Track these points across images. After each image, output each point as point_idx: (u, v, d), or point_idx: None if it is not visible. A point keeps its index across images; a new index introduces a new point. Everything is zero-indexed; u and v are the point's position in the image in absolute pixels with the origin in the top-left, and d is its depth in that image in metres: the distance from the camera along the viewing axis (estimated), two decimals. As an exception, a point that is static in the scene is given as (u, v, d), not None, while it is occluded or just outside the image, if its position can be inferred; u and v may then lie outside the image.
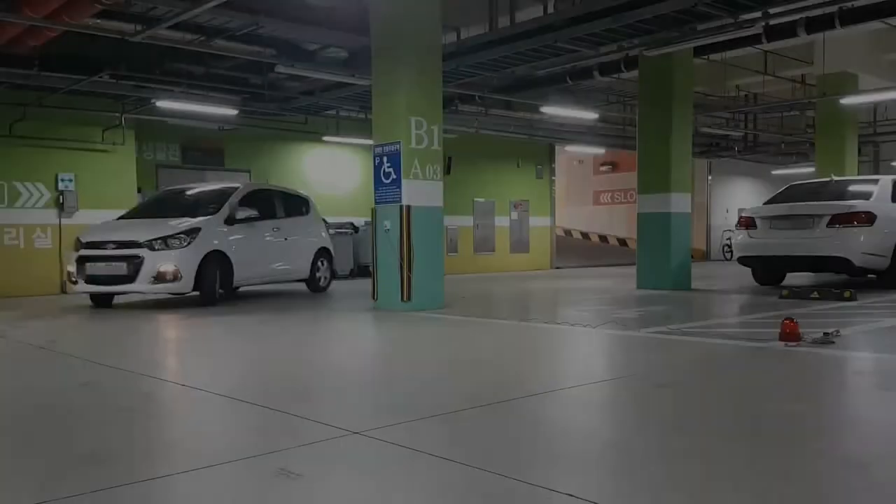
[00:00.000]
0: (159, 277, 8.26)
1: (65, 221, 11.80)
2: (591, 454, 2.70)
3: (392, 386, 4.03)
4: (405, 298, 7.96)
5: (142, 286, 8.32)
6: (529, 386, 3.98)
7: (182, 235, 8.47)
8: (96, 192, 12.05)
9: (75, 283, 8.51)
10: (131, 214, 9.88)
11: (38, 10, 8.10)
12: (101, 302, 9.13)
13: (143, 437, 3.11)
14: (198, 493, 2.38)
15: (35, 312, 8.62)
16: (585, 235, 26.89)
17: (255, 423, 3.26)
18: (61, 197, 11.70)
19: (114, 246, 8.38)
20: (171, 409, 3.64)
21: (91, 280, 8.40)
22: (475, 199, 18.05)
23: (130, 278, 8.26)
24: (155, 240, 8.34)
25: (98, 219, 12.15)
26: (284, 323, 7.13)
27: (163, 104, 11.89)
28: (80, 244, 8.59)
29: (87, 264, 8.34)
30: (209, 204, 9.46)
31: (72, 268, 8.54)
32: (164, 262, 8.24)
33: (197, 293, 8.74)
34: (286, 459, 2.64)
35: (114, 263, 8.31)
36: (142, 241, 8.34)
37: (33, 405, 3.74)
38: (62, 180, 11.71)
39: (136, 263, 8.25)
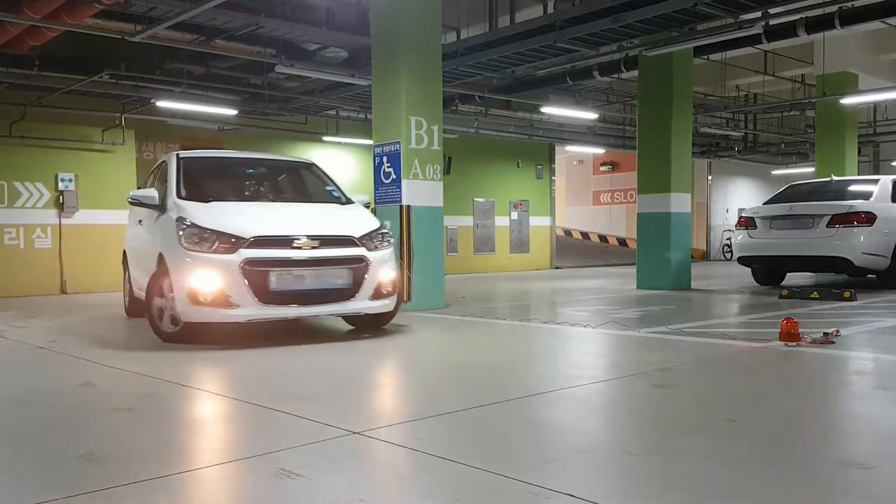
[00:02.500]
0: (380, 291, 5.74)
1: (65, 221, 11.80)
2: (590, 454, 2.70)
3: (391, 386, 4.03)
4: (405, 298, 7.96)
5: (361, 304, 5.68)
6: (529, 386, 3.98)
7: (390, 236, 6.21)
8: (96, 192, 12.05)
9: (237, 305, 5.24)
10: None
11: (38, 10, 8.10)
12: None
13: (142, 437, 3.11)
14: (198, 493, 2.38)
15: (35, 312, 8.61)
16: (585, 235, 26.88)
17: (254, 423, 3.26)
18: (61, 197, 11.70)
19: (314, 243, 5.49)
20: (171, 409, 3.64)
21: (283, 299, 5.35)
22: (475, 199, 18.05)
23: (350, 293, 5.59)
24: (373, 233, 5.86)
25: (99, 218, 12.26)
26: (283, 322, 7.13)
27: (163, 104, 11.90)
28: (233, 241, 5.30)
29: (274, 273, 5.29)
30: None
31: (224, 278, 5.20)
32: (387, 267, 5.83)
33: None
34: (286, 459, 2.64)
35: (324, 270, 5.50)
36: (357, 235, 5.75)
37: (33, 405, 3.73)
38: (62, 180, 11.70)
39: (359, 270, 5.62)
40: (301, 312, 5.51)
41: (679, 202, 10.78)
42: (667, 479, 2.42)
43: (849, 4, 8.97)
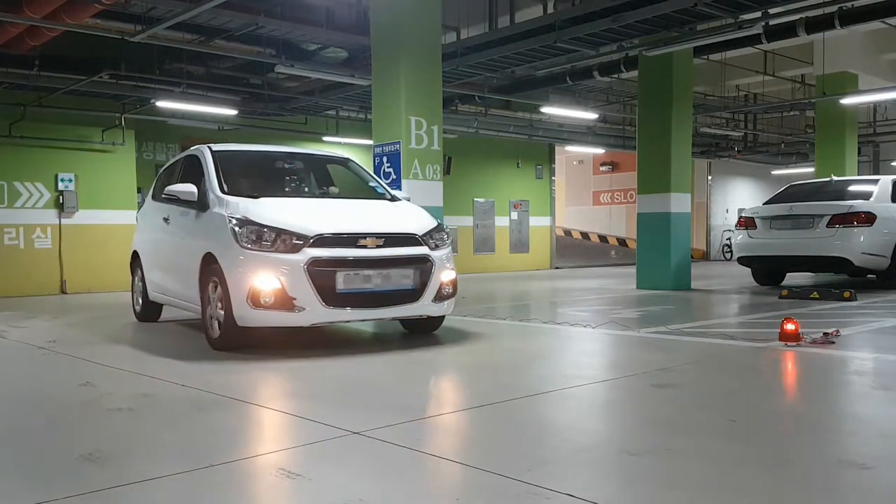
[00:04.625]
0: (441, 293, 5.41)
1: (65, 221, 11.80)
2: (590, 454, 2.70)
3: (389, 386, 4.03)
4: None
5: (426, 306, 5.35)
6: (529, 386, 3.98)
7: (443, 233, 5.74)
8: (96, 192, 12.05)
9: (301, 308, 4.86)
10: None
11: (38, 10, 8.11)
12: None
13: (142, 437, 3.11)
14: (198, 493, 2.38)
15: (35, 312, 8.61)
16: (585, 235, 26.88)
17: (254, 423, 3.25)
18: (61, 197, 11.70)
19: (379, 241, 5.14)
20: (171, 409, 3.64)
21: (349, 301, 4.98)
22: (475, 199, 18.05)
23: (416, 294, 5.26)
24: (433, 231, 5.56)
25: (99, 218, 12.26)
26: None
27: (163, 104, 11.90)
28: (296, 240, 4.92)
29: (341, 274, 4.92)
30: None
31: (288, 279, 4.84)
32: (448, 267, 5.49)
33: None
34: (286, 459, 2.64)
35: (391, 271, 5.13)
36: (420, 233, 5.43)
37: (33, 405, 3.74)
38: (62, 180, 11.70)
39: (424, 270, 5.29)
40: (368, 315, 5.15)
41: (679, 202, 10.78)
42: (667, 478, 2.42)
43: (849, 4, 8.97)
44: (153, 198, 7.19)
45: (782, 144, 20.93)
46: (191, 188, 5.61)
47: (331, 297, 4.87)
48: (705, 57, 12.28)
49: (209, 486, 2.42)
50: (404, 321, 5.98)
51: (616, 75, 12.58)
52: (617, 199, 26.15)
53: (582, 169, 27.31)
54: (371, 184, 6.53)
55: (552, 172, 19.81)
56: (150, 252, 6.94)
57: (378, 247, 5.07)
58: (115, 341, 6.01)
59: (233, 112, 12.76)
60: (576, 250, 23.38)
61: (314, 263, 4.83)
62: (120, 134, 12.25)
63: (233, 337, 5.08)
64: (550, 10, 9.72)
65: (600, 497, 2.23)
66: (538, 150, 19.19)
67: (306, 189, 6.49)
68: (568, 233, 27.07)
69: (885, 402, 3.52)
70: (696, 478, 2.42)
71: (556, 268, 19.36)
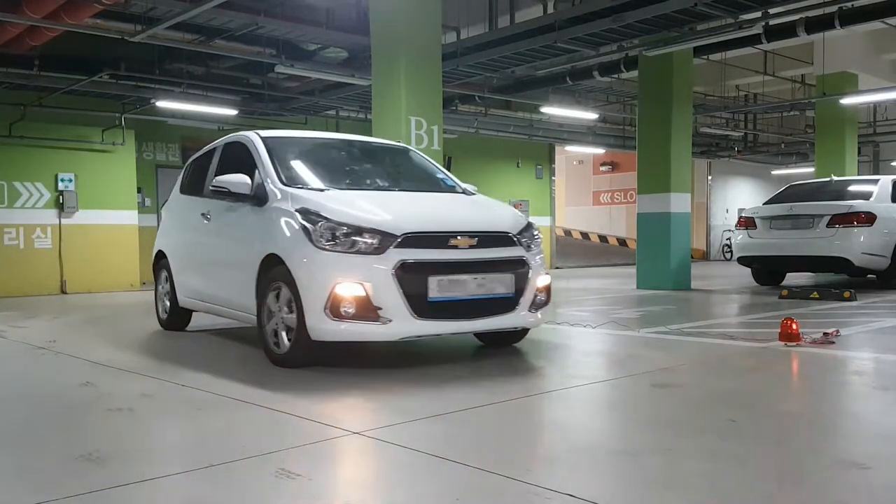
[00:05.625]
0: (536, 300, 4.72)
1: (65, 221, 11.80)
2: (590, 454, 2.70)
3: (387, 386, 4.03)
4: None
5: (522, 316, 4.64)
6: (529, 386, 3.98)
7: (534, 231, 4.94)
8: (96, 192, 12.04)
9: (387, 320, 4.17)
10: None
11: (38, 10, 8.10)
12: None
13: (142, 437, 3.11)
14: (198, 493, 2.38)
15: (35, 312, 8.61)
16: (585, 235, 26.88)
17: (254, 423, 3.26)
18: (61, 197, 11.70)
19: (472, 241, 4.45)
20: (171, 409, 3.64)
21: (442, 311, 4.29)
22: (475, 199, 18.04)
23: (513, 303, 4.56)
24: (526, 230, 4.80)
25: (99, 218, 12.26)
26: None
27: (163, 104, 11.90)
28: (381, 239, 4.23)
29: (435, 280, 4.23)
30: None
31: (374, 286, 4.15)
32: (543, 271, 4.80)
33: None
34: (286, 459, 2.64)
35: (487, 276, 4.43)
36: (514, 232, 4.69)
37: (33, 405, 3.74)
38: (62, 180, 11.70)
39: (521, 275, 4.59)
40: (461, 328, 4.48)
41: (679, 202, 10.78)
42: (666, 478, 2.42)
43: (849, 4, 8.97)
44: (182, 192, 6.44)
45: (782, 144, 20.93)
46: (244, 179, 4.90)
47: (421, 306, 4.17)
48: (705, 57, 12.27)
49: (209, 487, 2.42)
50: (482, 334, 5.17)
51: (616, 75, 12.59)
52: (617, 199, 26.15)
53: (582, 169, 27.30)
54: (438, 175, 5.76)
55: (552, 172, 19.81)
56: (181, 253, 6.19)
57: (471, 247, 4.40)
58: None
59: (233, 112, 12.76)
60: (576, 250, 23.38)
61: (404, 267, 4.14)
62: (120, 134, 12.25)
63: (304, 352, 4.37)
64: (550, 10, 9.72)
65: (600, 497, 2.23)
66: (538, 150, 19.19)
67: (370, 181, 5.55)
68: (568, 233, 27.07)
69: (885, 402, 3.53)
70: (695, 478, 2.42)
71: (557, 268, 19.35)
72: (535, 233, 4.85)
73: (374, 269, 4.14)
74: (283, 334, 4.46)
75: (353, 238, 4.21)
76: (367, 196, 4.85)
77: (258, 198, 4.83)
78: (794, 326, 5.12)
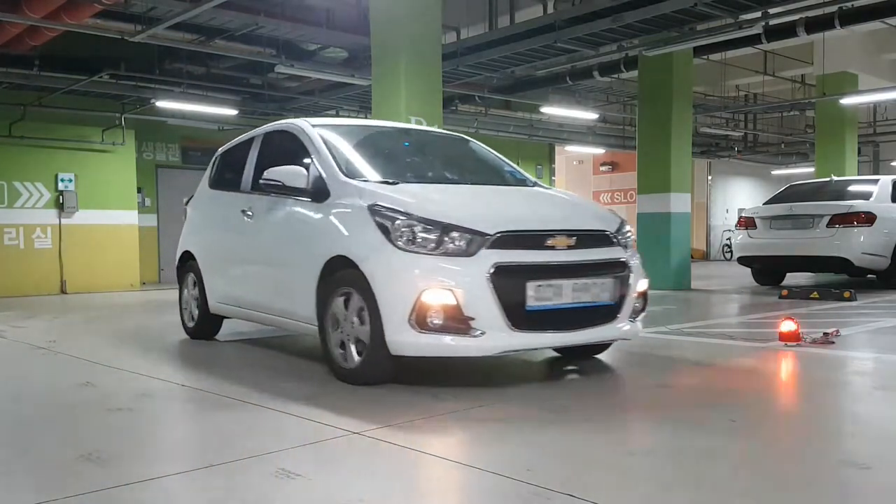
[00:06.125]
0: (635, 309, 4.26)
1: (65, 221, 11.80)
2: (590, 454, 2.70)
3: (386, 384, 4.03)
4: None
5: (624, 326, 4.15)
6: (529, 385, 3.98)
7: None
8: (96, 192, 12.04)
9: (479, 332, 3.64)
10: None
11: (38, 10, 8.10)
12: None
13: (142, 437, 3.11)
14: (198, 493, 2.38)
15: (35, 312, 8.61)
16: (585, 235, 26.86)
17: (254, 423, 3.25)
18: (61, 197, 11.70)
19: (570, 241, 3.95)
20: (171, 409, 3.64)
21: (540, 322, 3.78)
22: (475, 199, 18.03)
23: (614, 311, 4.07)
24: (622, 228, 4.33)
25: (99, 218, 12.26)
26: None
27: (163, 104, 11.90)
28: (471, 238, 3.72)
29: (533, 285, 3.73)
30: None
31: (465, 292, 3.63)
32: (641, 274, 4.35)
33: None
34: (286, 459, 2.64)
35: (589, 281, 3.94)
36: (611, 230, 4.22)
37: (33, 405, 3.74)
38: (62, 180, 11.70)
39: (622, 279, 4.11)
40: (561, 340, 3.97)
41: (679, 202, 10.78)
42: (666, 478, 2.42)
43: (849, 4, 8.97)
44: (213, 186, 5.95)
45: (782, 144, 20.93)
46: (301, 171, 4.39)
47: (518, 316, 3.66)
48: (705, 57, 12.27)
49: (209, 486, 2.42)
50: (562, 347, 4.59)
51: (616, 75, 12.58)
52: (617, 199, 26.14)
53: (582, 169, 27.31)
54: (505, 167, 5.31)
55: (552, 172, 19.81)
56: (214, 254, 5.62)
57: (569, 248, 3.90)
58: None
59: (233, 112, 12.76)
60: (576, 250, 23.34)
61: (499, 271, 3.62)
62: (120, 134, 12.25)
63: (379, 368, 3.85)
64: (550, 10, 9.72)
65: (600, 497, 2.23)
66: (538, 150, 19.18)
67: (436, 173, 5.00)
68: (568, 233, 27.06)
69: (885, 402, 3.53)
70: (695, 478, 2.42)
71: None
72: (629, 231, 4.37)
73: (466, 274, 3.62)
74: (353, 347, 3.93)
75: (440, 237, 3.69)
76: (443, 190, 4.35)
77: (316, 192, 4.31)
78: (794, 326, 5.12)
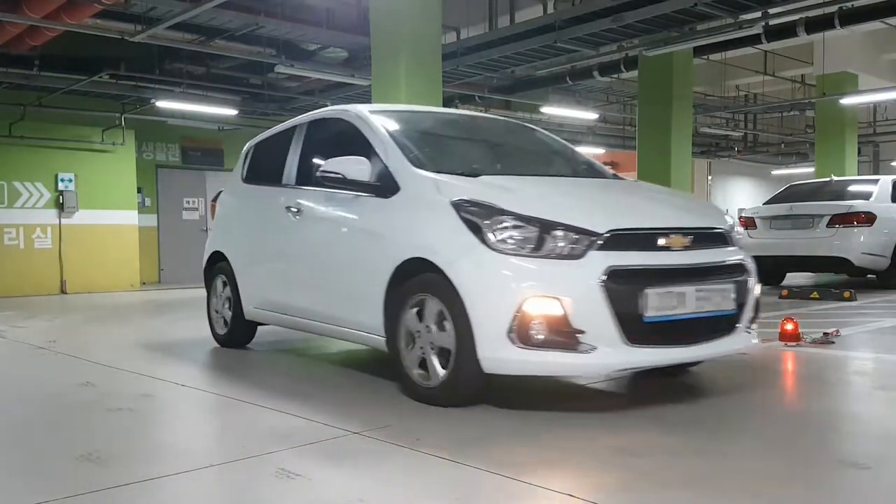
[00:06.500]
0: (752, 317, 3.69)
1: (65, 221, 11.80)
2: (590, 453, 2.70)
3: (383, 386, 4.03)
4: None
5: (744, 338, 3.62)
6: (528, 385, 3.98)
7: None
8: (96, 192, 12.04)
9: (590, 347, 3.12)
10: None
11: (37, 10, 8.10)
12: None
13: (142, 437, 3.11)
14: (198, 493, 2.38)
15: (35, 312, 8.61)
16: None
17: (254, 423, 3.25)
18: (61, 197, 11.70)
19: (685, 240, 3.45)
20: (171, 409, 3.64)
21: (660, 335, 3.28)
22: (475, 199, 18.03)
23: (734, 321, 3.54)
24: (734, 226, 3.83)
25: (99, 218, 12.26)
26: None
27: (163, 104, 11.90)
28: (578, 238, 3.22)
29: (652, 292, 3.21)
30: None
31: (573, 301, 3.12)
32: (756, 278, 3.75)
33: None
34: (286, 459, 2.64)
35: (711, 287, 3.43)
36: (726, 228, 3.72)
37: (33, 405, 3.73)
38: (62, 180, 11.70)
39: (741, 284, 3.57)
40: (683, 356, 3.43)
41: (679, 202, 10.77)
42: (666, 478, 2.42)
43: (849, 4, 8.98)
44: (247, 181, 5.38)
45: (782, 144, 20.93)
46: (365, 163, 3.88)
47: (636, 328, 3.15)
48: (705, 57, 12.28)
49: (209, 487, 2.43)
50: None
51: (616, 75, 12.59)
52: (617, 199, 26.15)
53: (582, 169, 27.31)
54: (580, 158, 4.87)
55: (552, 172, 19.78)
56: (251, 255, 5.08)
57: (685, 249, 3.40)
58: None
59: (233, 112, 12.76)
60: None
61: (614, 276, 3.12)
62: (120, 134, 12.25)
63: (468, 387, 3.34)
64: (550, 10, 9.72)
65: (600, 497, 2.23)
66: (538, 150, 19.15)
67: (514, 164, 4.53)
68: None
69: (885, 402, 3.53)
70: (695, 478, 2.42)
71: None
72: (740, 230, 3.93)
73: (575, 279, 3.12)
74: (436, 362, 3.40)
75: (542, 237, 3.19)
76: (534, 183, 3.81)
77: (381, 186, 3.82)
78: (794, 326, 5.12)
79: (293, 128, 4.94)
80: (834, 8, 9.01)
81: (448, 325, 3.31)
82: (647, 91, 10.94)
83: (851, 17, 9.18)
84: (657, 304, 3.20)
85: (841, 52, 14.55)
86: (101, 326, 7.12)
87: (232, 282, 5.20)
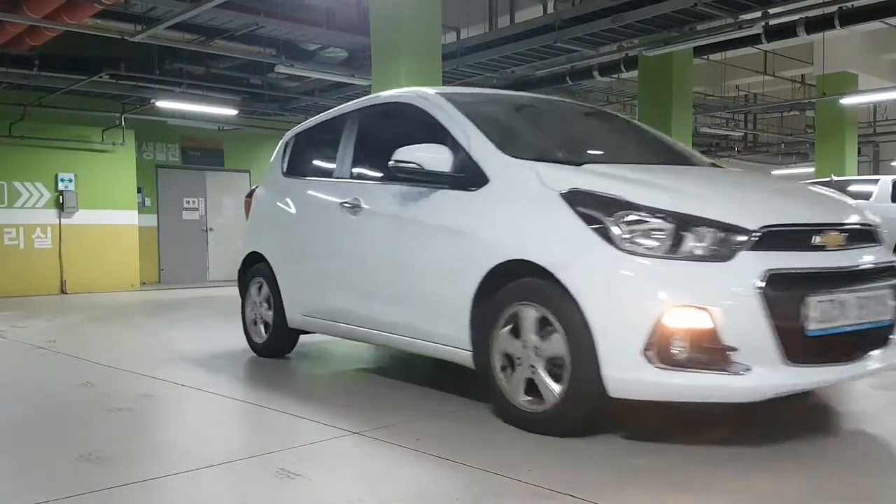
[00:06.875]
0: None
1: (65, 221, 11.80)
2: (590, 453, 2.70)
3: (382, 385, 4.03)
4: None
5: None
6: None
7: None
8: (96, 192, 12.04)
9: (743, 367, 2.59)
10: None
11: (37, 10, 8.10)
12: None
13: (142, 437, 3.11)
14: (198, 493, 2.38)
15: (35, 312, 8.61)
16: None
17: (254, 423, 3.25)
18: (61, 197, 11.70)
19: (840, 239, 2.94)
20: (171, 409, 3.64)
21: (823, 351, 2.75)
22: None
23: (887, 333, 3.00)
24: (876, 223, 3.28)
25: (99, 218, 12.26)
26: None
27: (163, 104, 11.90)
28: (724, 236, 2.68)
29: (814, 301, 2.67)
30: None
31: (723, 312, 2.59)
32: None
33: None
34: (286, 459, 2.64)
35: (870, 293, 2.90)
36: (874, 223, 3.23)
37: (33, 405, 3.73)
38: (62, 180, 11.71)
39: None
40: (845, 374, 2.87)
41: (679, 202, 10.77)
42: (666, 477, 2.42)
43: (849, 4, 8.97)
44: (290, 174, 4.88)
45: (782, 144, 20.93)
46: (443, 151, 3.39)
47: (797, 344, 2.65)
48: (705, 57, 12.27)
49: (209, 487, 2.43)
50: None
51: (616, 75, 12.58)
52: (617, 199, 26.17)
53: (582, 169, 27.31)
54: (676, 145, 4.26)
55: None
56: (297, 256, 4.55)
57: (840, 248, 2.91)
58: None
59: (233, 112, 12.76)
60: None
61: (773, 282, 2.61)
62: (120, 134, 12.25)
63: (589, 413, 2.86)
64: (550, 10, 9.72)
65: (600, 497, 2.23)
66: (538, 150, 19.16)
67: (612, 152, 3.96)
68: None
69: (885, 402, 3.53)
70: (695, 478, 2.42)
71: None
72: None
73: (726, 286, 2.62)
74: (549, 383, 2.88)
75: (680, 235, 2.68)
76: (648, 172, 3.23)
77: (465, 178, 3.33)
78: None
79: (343, 116, 4.49)
80: (834, 8, 9.01)
81: (558, 338, 2.82)
82: (647, 91, 10.94)
83: (851, 17, 9.17)
84: (819, 314, 2.68)
85: (841, 52, 14.55)
86: (101, 326, 7.12)
87: (273, 286, 4.69)
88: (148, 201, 13.70)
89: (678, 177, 3.23)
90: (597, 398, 2.76)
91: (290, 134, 5.14)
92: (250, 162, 14.98)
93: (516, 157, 3.23)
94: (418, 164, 3.38)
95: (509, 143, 3.36)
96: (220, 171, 14.61)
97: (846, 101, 13.93)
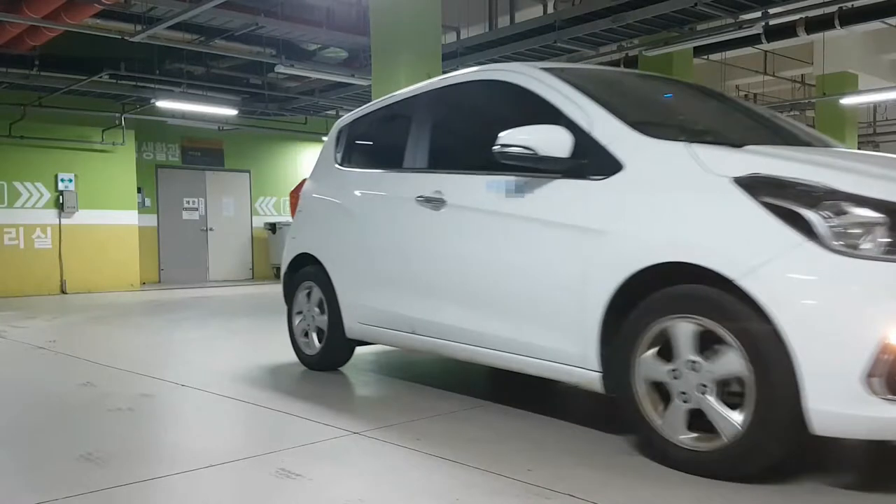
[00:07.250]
0: None
1: (65, 221, 11.80)
2: (590, 453, 2.70)
3: (382, 385, 4.03)
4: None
5: None
6: (529, 384, 3.98)
7: None
8: (96, 192, 12.05)
9: None
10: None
11: (38, 10, 8.11)
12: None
13: (142, 437, 3.10)
14: (198, 493, 2.38)
15: (35, 312, 8.61)
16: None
17: (254, 423, 3.25)
18: (61, 197, 11.70)
19: None
20: (171, 409, 3.64)
21: None
22: (475, 199, 18.02)
23: None
24: None
25: (99, 218, 12.26)
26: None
27: (163, 104, 11.91)
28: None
29: None
30: None
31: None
32: None
33: None
34: (286, 459, 2.64)
35: None
36: None
37: (33, 405, 3.74)
38: (62, 180, 11.71)
39: None
40: None
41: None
42: (667, 477, 2.42)
43: (849, 4, 8.98)
44: (346, 164, 4.41)
45: (782, 144, 20.92)
46: (561, 132, 2.86)
47: None
48: (705, 57, 12.28)
49: (209, 487, 2.43)
50: None
51: (616, 75, 12.58)
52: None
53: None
54: (805, 127, 3.69)
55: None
56: (360, 259, 4.00)
57: None
58: (121, 341, 5.50)
59: (233, 112, 12.77)
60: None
61: None
62: (120, 134, 12.25)
63: (782, 446, 2.31)
64: (550, 10, 9.73)
65: (600, 497, 2.23)
66: (538, 150, 19.18)
67: (733, 131, 3.33)
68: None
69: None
70: (695, 478, 2.42)
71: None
72: None
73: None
74: (726, 411, 2.35)
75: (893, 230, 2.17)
76: (826, 155, 2.75)
77: (587, 164, 2.81)
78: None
79: (415, 98, 3.93)
80: (834, 8, 9.02)
81: (734, 358, 2.30)
82: (647, 91, 10.94)
83: (851, 17, 9.18)
84: None
85: (841, 52, 14.56)
86: (101, 327, 7.12)
87: (328, 291, 4.21)
88: (148, 201, 13.71)
89: (864, 161, 2.66)
90: (791, 434, 2.25)
91: (343, 121, 4.68)
92: (250, 162, 14.99)
93: (659, 139, 2.68)
94: (531, 149, 2.85)
95: (644, 123, 2.81)
96: (220, 171, 14.61)
97: (846, 101, 13.94)
